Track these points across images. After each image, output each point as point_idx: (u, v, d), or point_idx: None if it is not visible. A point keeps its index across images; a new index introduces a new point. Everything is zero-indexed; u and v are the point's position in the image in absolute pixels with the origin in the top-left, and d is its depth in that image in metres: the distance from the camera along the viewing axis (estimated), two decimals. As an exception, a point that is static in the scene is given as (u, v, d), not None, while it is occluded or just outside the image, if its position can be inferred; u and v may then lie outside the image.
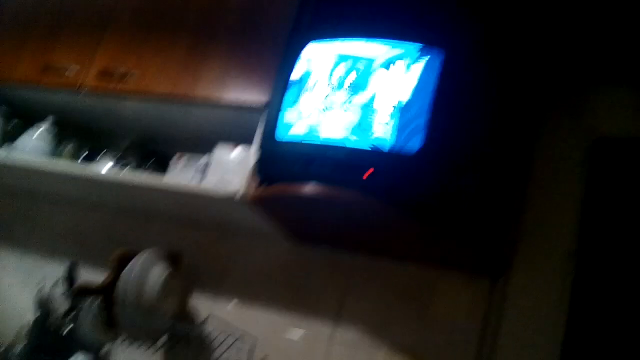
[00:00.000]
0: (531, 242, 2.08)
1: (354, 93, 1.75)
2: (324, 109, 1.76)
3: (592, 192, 2.09)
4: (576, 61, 2.16)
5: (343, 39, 1.82)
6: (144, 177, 2.18)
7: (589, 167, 2.11)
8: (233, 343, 2.16)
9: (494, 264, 1.99)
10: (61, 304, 2.40)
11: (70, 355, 2.27)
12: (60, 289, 2.30)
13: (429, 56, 1.69)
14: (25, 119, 2.54)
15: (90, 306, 2.12)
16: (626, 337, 1.95)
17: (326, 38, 1.84)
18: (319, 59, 1.83)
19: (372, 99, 1.72)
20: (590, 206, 2.08)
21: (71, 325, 2.31)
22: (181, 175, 2.22)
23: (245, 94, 2.08)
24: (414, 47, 1.72)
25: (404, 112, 1.67)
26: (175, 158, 2.28)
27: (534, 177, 2.14)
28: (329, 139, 1.72)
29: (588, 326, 1.98)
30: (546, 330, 1.98)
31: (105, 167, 2.36)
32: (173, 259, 2.26)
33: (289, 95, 1.84)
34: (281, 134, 1.81)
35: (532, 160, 2.16)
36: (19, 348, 2.40)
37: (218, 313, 2.27)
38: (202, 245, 2.43)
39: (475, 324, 2.03)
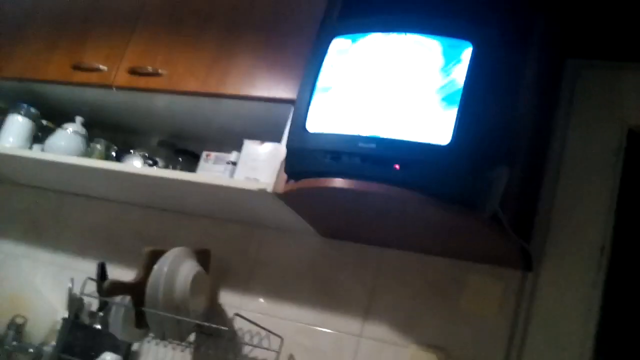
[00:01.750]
0: (562, 235, 2.06)
1: (383, 84, 1.74)
2: (352, 102, 1.76)
3: (625, 185, 2.07)
4: (606, 47, 2.14)
5: (368, 32, 1.82)
6: (174, 173, 2.19)
7: (622, 159, 2.09)
8: (261, 340, 2.16)
9: (525, 258, 1.98)
10: (91, 302, 2.42)
11: (100, 353, 2.29)
12: (90, 287, 2.31)
13: (459, 48, 1.69)
14: (55, 119, 2.57)
15: (120, 304, 2.12)
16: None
17: (351, 33, 1.84)
18: (348, 51, 1.83)
19: (401, 90, 1.72)
20: (623, 199, 2.06)
21: (102, 323, 2.34)
22: (211, 171, 2.24)
23: (274, 89, 2.09)
24: (444, 39, 1.71)
25: (435, 103, 1.67)
26: (204, 155, 2.30)
27: (566, 169, 2.13)
28: (358, 132, 1.72)
29: (621, 321, 1.97)
30: (578, 325, 1.96)
31: (135, 165, 2.39)
32: (202, 257, 2.27)
33: (317, 90, 1.83)
34: (310, 129, 1.81)
35: (563, 152, 2.14)
36: (50, 346, 2.43)
37: (246, 310, 2.27)
38: (231, 242, 2.44)
39: (505, 319, 2.01)
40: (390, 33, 1.79)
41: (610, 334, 1.95)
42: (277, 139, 2.07)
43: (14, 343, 2.45)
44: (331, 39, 1.87)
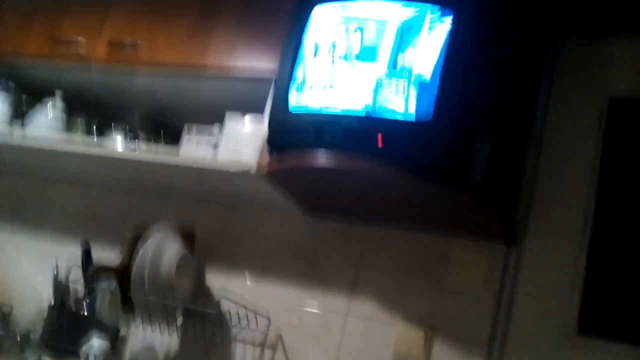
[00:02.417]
0: (546, 207, 2.07)
1: (365, 58, 1.72)
2: (334, 76, 1.75)
3: (607, 155, 2.07)
4: (587, 20, 2.14)
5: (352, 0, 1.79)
6: (158, 154, 2.17)
7: (604, 129, 2.10)
8: (249, 322, 2.16)
9: (509, 230, 1.98)
10: (78, 288, 2.41)
11: (87, 339, 2.28)
12: (76, 271, 2.31)
13: (438, 17, 1.68)
14: (34, 95, 2.55)
15: (107, 287, 2.12)
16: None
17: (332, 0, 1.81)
18: (328, 22, 1.80)
19: (383, 61, 1.70)
20: (605, 169, 2.06)
21: (88, 307, 2.33)
22: (193, 148, 2.23)
23: (256, 62, 2.08)
24: (424, 7, 1.69)
25: (417, 76, 1.66)
26: (185, 129, 2.28)
27: (549, 141, 2.13)
28: (341, 107, 1.71)
29: (605, 290, 1.98)
30: (562, 295, 1.98)
31: (116, 141, 2.37)
32: (187, 237, 2.26)
33: (298, 63, 1.81)
34: (292, 103, 1.79)
35: (545, 124, 2.15)
36: (37, 333, 2.42)
37: (233, 289, 2.27)
38: (216, 221, 2.43)
39: (490, 291, 2.02)
40: (371, 1, 1.76)
41: (594, 304, 1.96)
42: (260, 111, 2.05)
43: (1, 332, 2.44)
44: (312, 6, 1.83)
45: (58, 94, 2.50)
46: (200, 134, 2.24)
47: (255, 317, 2.18)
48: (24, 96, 2.57)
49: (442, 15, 1.67)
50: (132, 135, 2.40)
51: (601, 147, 2.08)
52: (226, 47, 2.13)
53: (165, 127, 2.49)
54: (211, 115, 2.26)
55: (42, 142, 2.32)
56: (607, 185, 2.06)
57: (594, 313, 1.96)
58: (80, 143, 2.32)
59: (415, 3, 1.71)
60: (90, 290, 2.30)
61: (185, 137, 2.28)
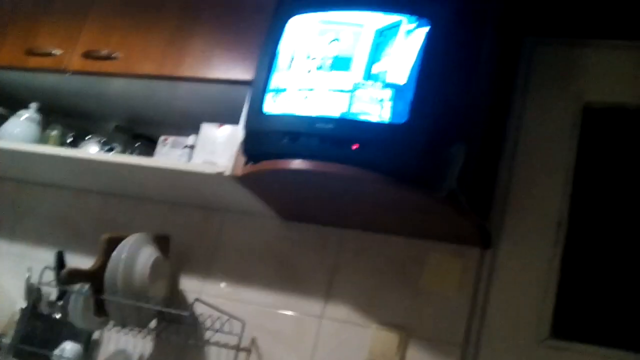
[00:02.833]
0: (520, 212, 2.09)
1: (340, 65, 1.74)
2: (310, 83, 1.76)
3: (581, 161, 2.10)
4: (562, 25, 2.16)
5: (327, 9, 1.81)
6: (131, 158, 2.17)
7: (578, 136, 2.12)
8: (223, 325, 2.15)
9: (483, 235, 2.00)
10: (50, 292, 2.39)
11: (60, 342, 2.26)
12: (49, 276, 2.29)
13: (415, 26, 1.69)
14: (9, 106, 2.52)
15: (80, 292, 2.10)
16: (615, 305, 1.97)
17: (310, 9, 1.83)
18: (304, 31, 1.82)
19: (358, 70, 1.71)
20: (579, 176, 2.09)
21: (61, 310, 2.31)
22: (168, 156, 2.22)
23: (231, 71, 2.08)
24: (400, 17, 1.71)
25: (391, 82, 1.67)
26: (161, 140, 2.27)
27: (523, 146, 2.15)
28: (316, 113, 1.71)
29: (577, 294, 2.00)
30: (536, 300, 1.99)
31: (91, 150, 2.35)
32: (161, 242, 2.25)
33: (274, 71, 1.82)
34: (267, 110, 1.80)
35: (520, 129, 2.17)
36: (9, 337, 2.39)
37: (207, 295, 2.26)
38: (191, 226, 2.43)
39: (465, 296, 2.03)
40: (347, 10, 1.78)
41: (567, 309, 1.98)
42: (236, 121, 2.05)
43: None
44: (288, 17, 1.86)
45: (33, 107, 2.48)
46: (176, 145, 2.24)
47: (230, 321, 2.17)
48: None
49: (420, 25, 1.68)
50: (107, 147, 2.38)
51: (575, 154, 2.10)
52: (202, 57, 2.13)
53: (141, 138, 2.48)
54: (187, 127, 2.27)
55: (17, 144, 2.30)
56: (581, 191, 2.08)
57: (567, 316, 1.98)
58: (54, 148, 2.31)
59: (391, 12, 1.72)
60: (63, 294, 2.29)
61: (160, 147, 2.27)
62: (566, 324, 1.96)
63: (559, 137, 2.13)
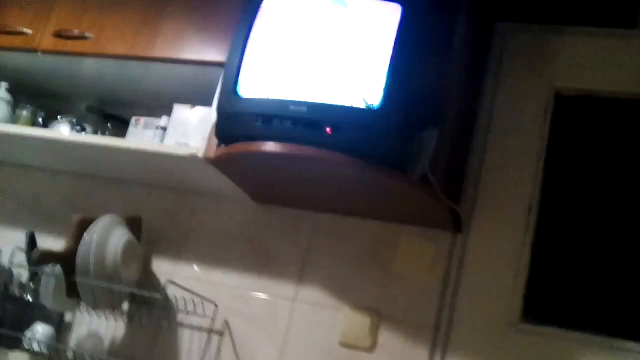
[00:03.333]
0: (491, 197, 2.10)
1: (314, 46, 1.73)
2: (283, 65, 1.75)
3: (552, 148, 2.11)
4: (534, 11, 2.17)
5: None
6: (104, 139, 2.15)
7: (550, 121, 2.14)
8: (195, 308, 2.15)
9: (455, 219, 2.01)
10: (21, 273, 2.37)
11: (32, 324, 2.24)
12: (19, 258, 2.27)
13: (389, 10, 1.69)
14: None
15: (51, 274, 2.09)
16: (585, 289, 1.99)
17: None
18: (278, 13, 1.81)
19: (331, 52, 1.71)
20: (551, 161, 2.10)
21: (32, 292, 2.29)
22: (141, 137, 2.20)
23: (204, 52, 2.07)
24: (372, 0, 1.71)
25: (364, 65, 1.67)
26: (133, 121, 2.25)
27: (495, 131, 2.16)
28: (290, 96, 1.71)
29: (548, 278, 2.02)
30: (506, 284, 2.01)
31: (63, 131, 2.33)
32: (133, 224, 2.24)
33: (247, 53, 1.81)
34: (240, 93, 1.78)
35: (492, 114, 2.17)
36: (-21, 319, 2.37)
37: (180, 277, 2.25)
38: (163, 208, 2.41)
39: (436, 280, 2.05)
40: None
41: (538, 293, 2.01)
42: (209, 103, 2.04)
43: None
44: (262, -1, 1.85)
45: (3, 86, 2.45)
46: (148, 127, 2.22)
47: (203, 303, 2.17)
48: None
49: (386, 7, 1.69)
50: (78, 127, 2.36)
51: (546, 140, 2.12)
52: (174, 38, 2.11)
53: (113, 119, 2.46)
54: (159, 108, 2.25)
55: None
56: (552, 177, 2.10)
57: (538, 300, 2.00)
58: (24, 129, 2.29)
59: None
60: (34, 275, 2.27)
61: (132, 128, 2.25)
62: (537, 308, 1.99)
63: (531, 123, 2.14)
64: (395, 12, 1.68)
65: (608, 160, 2.08)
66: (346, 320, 2.08)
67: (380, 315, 2.07)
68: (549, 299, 2.01)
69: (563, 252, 2.04)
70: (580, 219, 2.06)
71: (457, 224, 2.04)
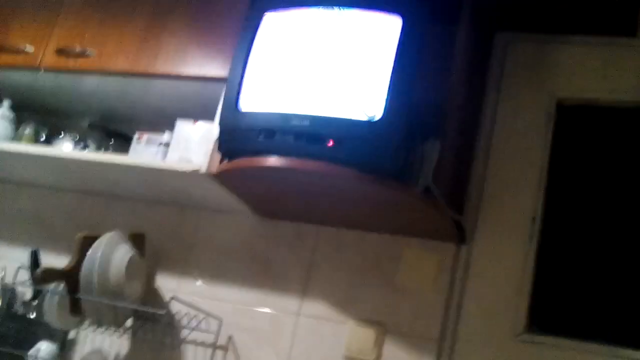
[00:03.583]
0: (494, 207, 2.10)
1: (315, 61, 1.74)
2: (285, 79, 1.76)
3: (555, 157, 2.11)
4: (535, 20, 2.17)
5: (301, 6, 1.81)
6: (106, 156, 2.16)
7: (552, 132, 2.14)
8: (199, 323, 2.15)
9: (459, 231, 2.01)
10: (25, 291, 2.37)
11: (35, 342, 2.24)
12: (23, 275, 2.27)
13: (389, 23, 1.70)
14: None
15: (54, 292, 2.09)
16: (590, 298, 1.99)
17: (285, 6, 1.83)
18: (279, 28, 1.82)
19: (332, 66, 1.72)
20: (553, 171, 2.10)
21: (35, 310, 2.29)
22: (143, 153, 2.20)
23: (206, 68, 2.08)
24: (373, 13, 1.72)
25: (365, 78, 1.68)
26: (136, 137, 2.25)
27: (497, 142, 2.16)
28: (292, 110, 1.71)
29: (552, 289, 2.02)
30: (511, 295, 2.00)
31: (65, 148, 2.33)
32: (137, 240, 2.24)
33: (249, 67, 1.82)
34: (242, 107, 1.79)
35: (494, 125, 2.18)
36: (-18, 337, 2.37)
37: (184, 293, 2.25)
38: (166, 224, 2.42)
39: (440, 291, 2.04)
40: (321, 7, 1.78)
41: (543, 303, 2.00)
42: (211, 118, 2.04)
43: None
44: (263, 13, 1.86)
45: (6, 104, 2.46)
46: (150, 143, 2.22)
47: (206, 318, 2.16)
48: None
49: (385, 20, 1.70)
50: (81, 144, 2.37)
51: (549, 150, 2.12)
52: (176, 53, 2.12)
53: (115, 135, 2.46)
54: (162, 124, 2.25)
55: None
56: (555, 186, 2.10)
57: (542, 310, 2.00)
58: (27, 146, 2.30)
59: (365, 8, 1.74)
60: (37, 293, 2.27)
61: (135, 144, 2.25)
62: (541, 318, 1.98)
63: (533, 132, 2.14)
64: (395, 24, 1.69)
65: (611, 169, 2.08)
66: (350, 333, 2.08)
67: (384, 327, 2.06)
68: (554, 309, 2.01)
69: (567, 262, 2.04)
70: (583, 228, 2.05)
71: (460, 235, 2.03)
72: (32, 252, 2.31)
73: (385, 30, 1.70)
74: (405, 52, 1.66)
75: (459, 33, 1.89)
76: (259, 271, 2.25)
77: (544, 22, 2.15)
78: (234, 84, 1.83)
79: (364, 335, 2.05)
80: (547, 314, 1.99)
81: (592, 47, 2.16)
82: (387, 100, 1.65)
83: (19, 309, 2.36)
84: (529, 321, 1.97)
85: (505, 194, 2.10)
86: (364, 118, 1.65)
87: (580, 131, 2.14)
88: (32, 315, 2.32)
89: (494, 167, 2.14)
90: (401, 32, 1.68)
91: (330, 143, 1.66)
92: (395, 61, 1.66)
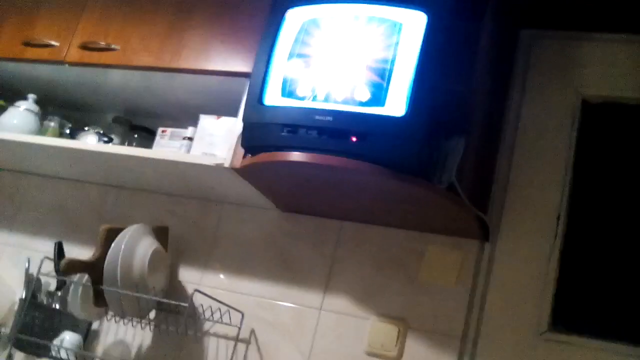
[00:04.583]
0: (519, 205, 2.09)
1: (338, 56, 1.74)
2: (309, 75, 1.75)
3: (580, 155, 2.10)
4: (560, 18, 2.15)
5: (325, 2, 1.81)
6: (130, 150, 2.16)
7: (577, 130, 2.12)
8: (222, 316, 2.16)
9: (482, 228, 2.00)
10: (49, 282, 2.39)
11: (59, 332, 2.26)
12: (48, 267, 2.29)
13: (414, 18, 1.69)
14: (6, 97, 2.52)
15: (78, 283, 2.10)
16: (614, 298, 1.97)
17: (308, 2, 1.83)
18: (302, 23, 1.82)
19: (356, 61, 1.71)
20: (579, 169, 2.09)
21: (60, 301, 2.31)
22: (167, 147, 2.21)
23: (230, 63, 2.07)
24: (397, 9, 1.71)
25: (390, 74, 1.67)
26: (159, 131, 2.27)
27: (521, 139, 2.15)
28: (315, 105, 1.71)
29: (577, 287, 2.00)
30: (535, 293, 1.99)
31: (90, 142, 2.35)
32: (160, 233, 2.25)
33: (272, 62, 1.82)
34: (266, 102, 1.79)
35: (518, 122, 2.16)
36: (8, 327, 2.39)
37: (206, 286, 2.27)
38: (190, 218, 2.43)
39: (463, 289, 2.03)
40: (345, 3, 1.78)
41: (567, 302, 1.99)
42: (234, 114, 2.05)
43: (-30, 326, 2.42)
44: (286, 9, 1.85)
45: (31, 98, 2.48)
46: (174, 137, 2.23)
47: (229, 311, 2.17)
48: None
49: (410, 16, 1.69)
50: (105, 138, 2.38)
51: (574, 148, 2.10)
52: (200, 49, 2.12)
53: (139, 130, 2.48)
54: (185, 119, 2.27)
55: (15, 135, 2.30)
56: (580, 184, 2.08)
57: (566, 309, 1.98)
58: (52, 139, 2.30)
59: (389, 4, 1.72)
60: (62, 284, 2.29)
61: (158, 139, 2.27)
62: (565, 317, 1.97)
63: (558, 130, 2.12)
64: (420, 20, 1.68)
65: (637, 168, 2.06)
66: (372, 329, 2.08)
67: (406, 324, 2.06)
68: (578, 308, 1.99)
69: (591, 260, 2.02)
70: (608, 227, 2.04)
71: (484, 233, 2.02)
72: (56, 243, 2.33)
73: (410, 26, 1.69)
74: (429, 49, 1.65)
75: (484, 29, 1.88)
76: (281, 265, 2.26)
77: (570, 19, 2.13)
78: (257, 79, 1.83)
79: (386, 330, 2.05)
80: (571, 313, 1.98)
81: (618, 45, 2.14)
82: (411, 96, 1.64)
83: (43, 299, 2.39)
84: (552, 319, 1.96)
85: (530, 191, 2.08)
86: (388, 114, 1.64)
87: (606, 129, 2.12)
88: (57, 306, 2.35)
89: (518, 164, 2.12)
90: (426, 29, 1.67)
91: (354, 139, 1.66)
92: (419, 57, 1.65)
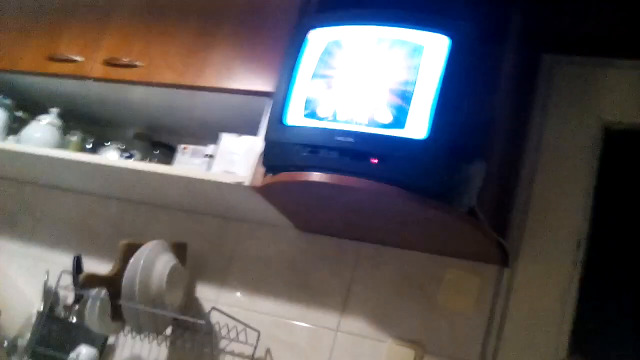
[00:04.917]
0: (539, 231, 2.07)
1: (360, 78, 1.74)
2: (331, 96, 1.76)
3: (602, 181, 2.08)
4: (582, 43, 2.15)
5: (347, 24, 1.81)
6: (151, 166, 2.18)
7: (598, 156, 2.11)
8: (238, 334, 2.15)
9: (502, 253, 1.98)
10: (67, 295, 2.40)
11: (76, 346, 2.27)
12: (66, 280, 2.30)
13: (436, 42, 1.69)
14: (30, 110, 2.55)
15: (96, 297, 2.11)
16: (634, 326, 1.95)
17: (331, 23, 1.84)
18: (325, 45, 1.82)
19: (378, 84, 1.71)
20: (600, 195, 2.07)
21: (77, 315, 2.32)
22: (188, 164, 2.22)
23: (251, 82, 2.08)
24: (420, 32, 1.72)
25: (411, 96, 1.67)
26: (180, 148, 2.28)
27: (542, 165, 2.13)
28: (337, 126, 1.72)
29: (596, 316, 1.98)
30: (554, 320, 1.97)
31: (111, 157, 2.37)
32: (179, 250, 2.26)
33: (295, 83, 1.83)
34: (287, 122, 1.80)
35: (539, 148, 2.15)
36: (25, 339, 2.40)
37: (223, 304, 2.26)
38: (208, 235, 2.43)
39: (481, 314, 2.02)
40: (367, 25, 1.78)
41: (586, 329, 1.97)
42: (254, 132, 2.05)
43: (-12, 337, 2.43)
44: (308, 30, 1.87)
45: (54, 112, 2.50)
46: (195, 154, 2.24)
47: (245, 330, 2.17)
48: (19, 113, 2.57)
49: (433, 39, 1.70)
50: (126, 154, 2.40)
51: (595, 174, 2.09)
52: (222, 67, 2.13)
53: (160, 146, 2.50)
54: (205, 136, 2.27)
55: (37, 149, 2.32)
56: (601, 210, 2.06)
57: (585, 337, 1.96)
58: (73, 153, 2.32)
59: (412, 28, 1.72)
60: (79, 298, 2.29)
61: (179, 156, 2.28)
62: (584, 345, 1.95)
63: (579, 156, 2.11)
64: (443, 44, 1.69)
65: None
66: (389, 352, 2.07)
67: (423, 348, 2.04)
68: (597, 335, 1.97)
69: (611, 288, 2.00)
70: (629, 254, 2.02)
71: (503, 258, 2.01)
72: (75, 257, 2.34)
73: (432, 49, 1.69)
74: (452, 73, 1.65)
75: (506, 54, 1.89)
76: (299, 285, 2.25)
77: (592, 44, 2.13)
78: (280, 99, 1.84)
79: (403, 354, 2.04)
80: (590, 341, 1.96)
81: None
82: (432, 119, 1.64)
83: (61, 312, 2.40)
84: (571, 347, 1.94)
85: (550, 217, 2.07)
86: (409, 136, 1.64)
87: (628, 156, 2.11)
88: (74, 319, 2.36)
89: (539, 189, 2.11)
90: (448, 52, 1.67)
91: (375, 160, 1.66)
92: (441, 80, 1.65)
